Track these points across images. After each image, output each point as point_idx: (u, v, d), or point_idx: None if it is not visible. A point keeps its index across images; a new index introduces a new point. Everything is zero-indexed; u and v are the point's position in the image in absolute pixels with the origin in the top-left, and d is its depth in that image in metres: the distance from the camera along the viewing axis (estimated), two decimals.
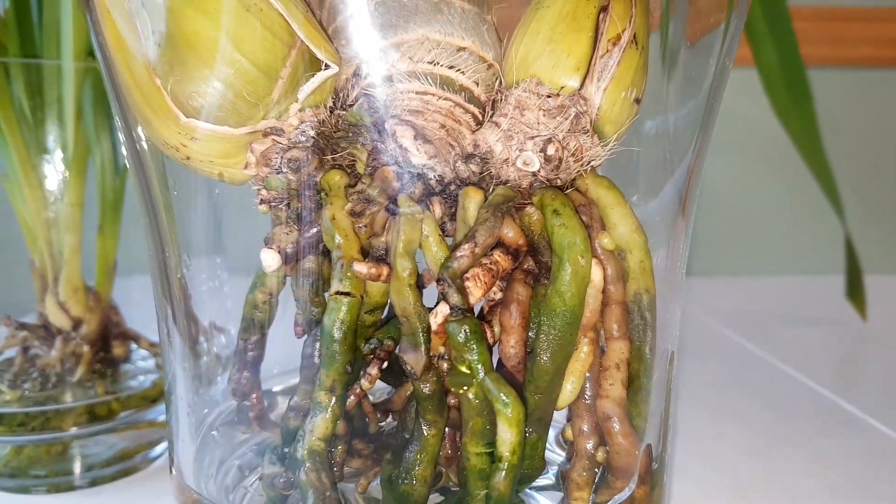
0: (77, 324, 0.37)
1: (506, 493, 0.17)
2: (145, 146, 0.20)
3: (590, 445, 0.18)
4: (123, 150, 0.37)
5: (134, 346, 0.40)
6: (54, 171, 0.37)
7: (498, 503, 0.17)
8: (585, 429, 0.18)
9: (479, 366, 0.16)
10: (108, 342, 0.38)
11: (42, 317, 0.38)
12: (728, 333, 0.64)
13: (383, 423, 0.21)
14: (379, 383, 0.20)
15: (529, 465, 0.18)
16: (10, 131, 0.37)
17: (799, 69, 0.50)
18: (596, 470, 0.18)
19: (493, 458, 0.16)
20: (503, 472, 0.16)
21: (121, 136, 0.21)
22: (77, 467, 0.38)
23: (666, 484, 0.21)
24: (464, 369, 0.16)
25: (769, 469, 0.40)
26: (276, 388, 0.24)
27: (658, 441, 0.20)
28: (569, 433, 0.19)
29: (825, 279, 0.76)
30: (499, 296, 0.19)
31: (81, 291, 0.37)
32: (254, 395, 0.22)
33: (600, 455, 0.18)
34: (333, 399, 0.17)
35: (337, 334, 0.17)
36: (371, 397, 0.21)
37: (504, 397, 0.16)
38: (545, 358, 0.17)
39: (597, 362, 0.18)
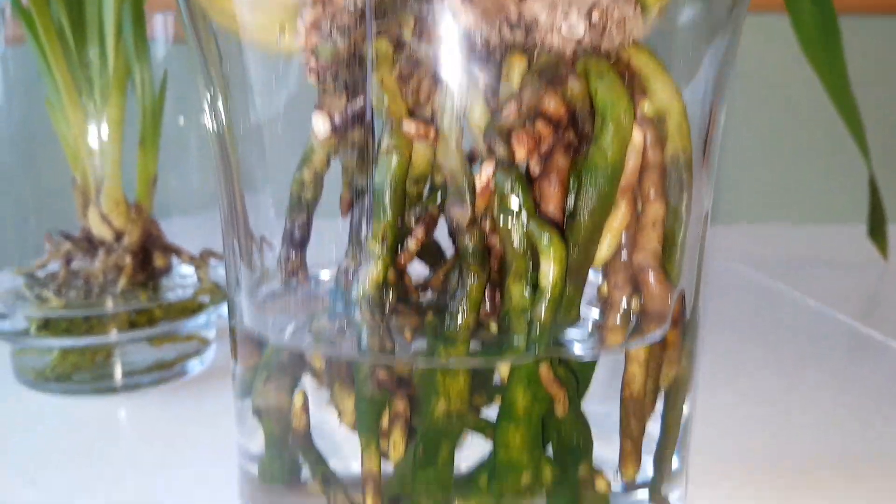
0: (119, 236, 0.38)
1: (546, 323, 0.17)
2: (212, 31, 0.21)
3: (624, 296, 0.19)
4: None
5: (175, 260, 0.41)
6: (96, 90, 0.38)
7: (539, 333, 0.18)
8: (620, 282, 0.19)
9: (524, 211, 0.17)
10: (149, 254, 0.39)
11: (84, 231, 0.39)
12: (754, 274, 0.64)
13: (423, 301, 0.22)
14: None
15: (565, 316, 0.19)
16: (52, 53, 0.37)
17: (830, 9, 0.49)
18: (630, 318, 0.19)
19: (536, 294, 0.17)
20: (544, 303, 0.17)
21: (189, 31, 0.22)
22: (118, 372, 0.39)
23: (699, 336, 0.22)
24: (509, 216, 0.17)
25: (791, 383, 0.41)
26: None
27: (692, 293, 0.20)
28: (604, 289, 0.19)
29: (851, 228, 0.76)
30: (538, 171, 0.20)
31: (123, 204, 0.38)
32: (300, 275, 0.22)
33: (634, 304, 0.19)
34: (385, 248, 0.18)
35: (388, 188, 0.18)
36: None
37: (547, 236, 0.17)
38: (585, 214, 0.18)
39: (633, 222, 0.19)
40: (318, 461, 0.20)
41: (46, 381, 0.39)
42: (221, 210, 0.23)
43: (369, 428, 0.19)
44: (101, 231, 0.38)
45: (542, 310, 0.17)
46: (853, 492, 0.30)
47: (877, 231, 0.60)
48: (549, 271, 0.17)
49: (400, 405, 0.19)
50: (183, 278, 0.42)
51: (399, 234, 0.19)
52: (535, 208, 0.18)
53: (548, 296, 0.17)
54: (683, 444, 0.23)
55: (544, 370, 0.18)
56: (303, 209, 0.22)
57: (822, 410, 0.38)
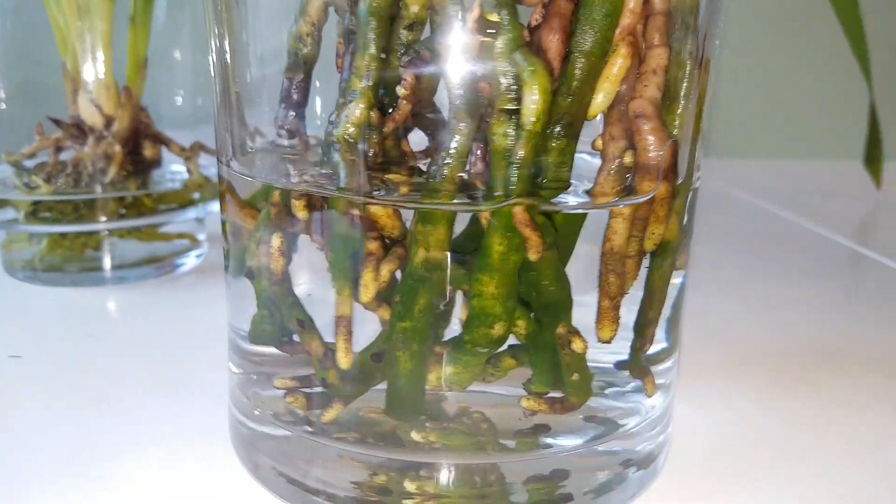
0: (109, 122, 0.37)
1: (528, 158, 0.17)
2: None
3: (618, 149, 0.18)
4: None
5: (167, 156, 0.40)
6: None
7: (519, 172, 0.17)
8: (615, 134, 0.18)
9: (512, 42, 0.16)
10: (139, 144, 0.38)
11: (74, 118, 0.38)
12: (754, 200, 0.63)
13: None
14: None
15: (556, 174, 0.18)
16: None
17: None
18: (624, 175, 0.18)
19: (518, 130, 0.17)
20: (525, 137, 0.17)
21: None
22: (108, 264, 0.39)
23: (694, 201, 0.21)
24: (496, 51, 0.16)
25: (786, 292, 0.41)
26: None
27: (689, 150, 0.20)
28: (598, 142, 0.19)
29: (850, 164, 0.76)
30: (539, 19, 0.19)
31: (113, 89, 0.37)
32: (297, 137, 0.22)
33: (627, 158, 0.18)
34: (368, 85, 0.17)
35: (371, 17, 0.17)
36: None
37: (530, 66, 0.16)
38: (579, 55, 0.17)
39: (634, 71, 0.18)
40: (295, 305, 0.20)
41: (35, 272, 0.39)
42: (214, 99, 0.22)
43: (342, 270, 0.19)
44: (91, 117, 0.37)
45: (523, 144, 0.17)
46: (840, 382, 0.30)
47: (872, 160, 0.60)
48: (531, 103, 0.16)
49: (372, 245, 0.18)
50: (174, 174, 0.41)
51: (388, 79, 0.18)
52: (522, 40, 0.17)
53: (528, 128, 0.16)
54: (673, 322, 0.22)
55: (518, 211, 0.17)
56: (300, 67, 0.21)
57: (816, 316, 0.38)
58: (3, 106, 0.40)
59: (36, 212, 0.38)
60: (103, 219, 0.37)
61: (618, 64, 0.18)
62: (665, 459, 0.24)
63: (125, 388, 0.28)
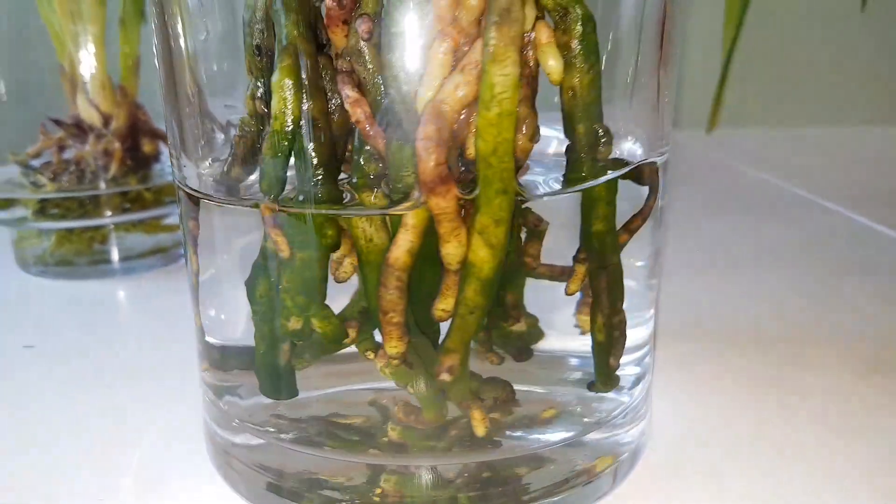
0: (107, 120, 0.38)
1: (267, 160, 0.18)
2: None
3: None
4: None
5: (163, 145, 0.41)
6: None
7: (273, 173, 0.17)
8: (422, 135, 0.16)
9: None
10: (137, 140, 0.39)
11: (74, 117, 0.39)
12: (750, 171, 0.64)
13: None
14: None
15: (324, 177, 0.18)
16: None
17: None
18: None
19: None
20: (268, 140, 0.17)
21: None
22: (115, 255, 0.40)
23: (656, 221, 0.22)
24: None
25: (759, 244, 0.42)
26: None
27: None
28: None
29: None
30: None
31: (109, 88, 0.38)
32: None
33: None
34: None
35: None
36: None
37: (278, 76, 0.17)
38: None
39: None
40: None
41: (46, 266, 0.40)
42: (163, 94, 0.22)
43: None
44: (89, 116, 0.38)
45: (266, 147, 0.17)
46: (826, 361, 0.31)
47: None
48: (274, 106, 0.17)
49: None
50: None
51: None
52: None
53: (271, 129, 0.17)
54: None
55: (263, 209, 0.18)
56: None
57: (810, 289, 0.39)
58: (6, 107, 0.41)
59: (43, 209, 0.39)
60: (108, 213, 0.39)
61: (435, 60, 0.16)
62: (641, 453, 0.24)
63: (135, 372, 0.29)
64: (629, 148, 0.21)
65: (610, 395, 0.22)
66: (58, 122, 0.39)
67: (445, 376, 0.18)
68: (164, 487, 0.22)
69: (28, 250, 0.41)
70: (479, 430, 0.19)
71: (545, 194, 0.19)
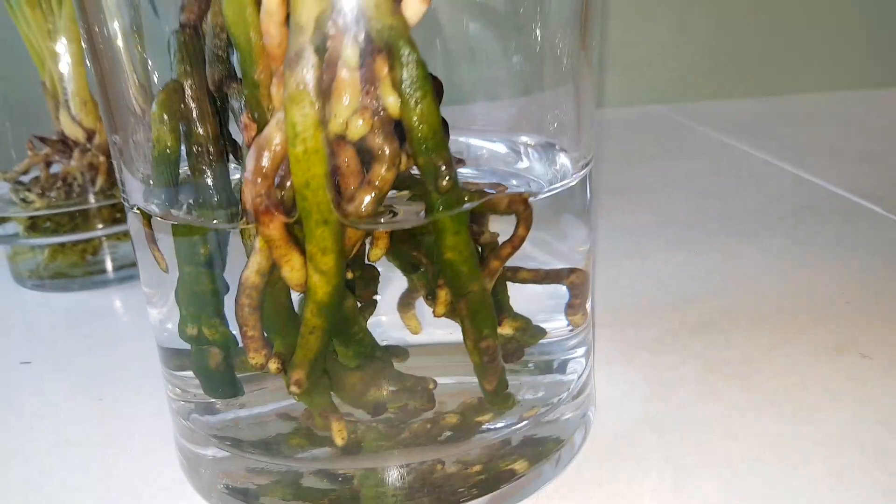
0: (90, 135, 0.39)
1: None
2: None
3: None
4: None
5: None
6: None
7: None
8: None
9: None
10: None
11: (59, 133, 0.39)
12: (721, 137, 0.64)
13: None
14: None
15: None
16: None
17: None
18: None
19: None
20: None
21: None
22: (109, 266, 0.41)
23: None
24: None
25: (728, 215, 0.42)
26: None
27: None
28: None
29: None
30: None
31: (90, 103, 0.38)
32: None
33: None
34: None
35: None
36: None
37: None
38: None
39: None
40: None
41: (41, 280, 0.41)
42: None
43: None
44: (73, 132, 0.38)
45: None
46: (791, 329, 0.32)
47: None
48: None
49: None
50: None
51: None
52: None
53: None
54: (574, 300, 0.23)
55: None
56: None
57: (778, 264, 0.39)
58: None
59: (35, 225, 0.39)
60: (99, 226, 0.39)
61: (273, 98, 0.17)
62: (584, 437, 0.24)
63: (130, 383, 0.30)
64: (561, 162, 0.21)
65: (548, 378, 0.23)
66: (43, 140, 0.39)
67: (294, 389, 0.19)
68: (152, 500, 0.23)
69: (22, 265, 0.41)
70: (338, 440, 0.20)
71: (388, 223, 0.19)
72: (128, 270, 0.41)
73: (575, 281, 0.22)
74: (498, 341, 0.20)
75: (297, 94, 0.16)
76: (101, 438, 0.26)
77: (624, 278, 0.36)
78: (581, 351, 0.24)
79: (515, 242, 0.20)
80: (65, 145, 0.39)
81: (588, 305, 0.23)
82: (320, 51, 0.16)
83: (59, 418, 0.28)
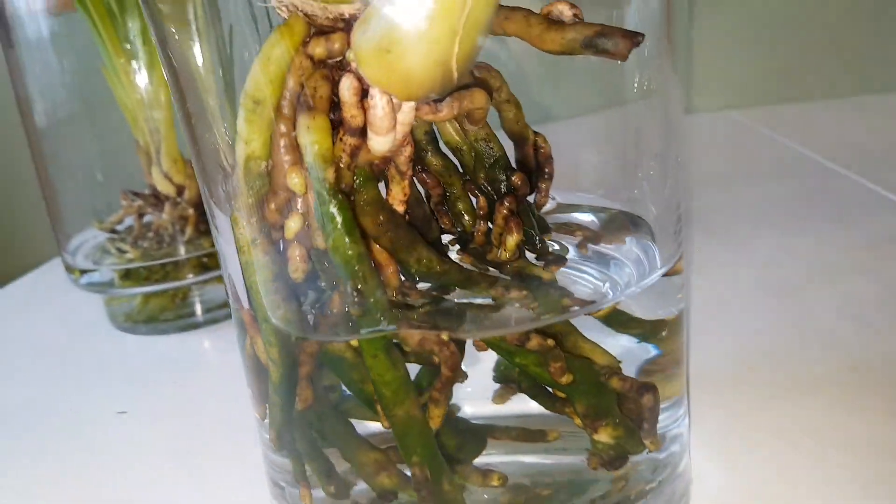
0: (180, 190, 0.40)
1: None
2: None
3: None
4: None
5: None
6: (142, 55, 0.40)
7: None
8: None
9: None
10: None
11: (151, 187, 0.41)
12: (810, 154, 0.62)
13: None
14: None
15: None
16: (102, 23, 0.39)
17: None
18: None
19: None
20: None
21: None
22: (199, 309, 0.42)
23: None
24: None
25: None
26: None
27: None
28: None
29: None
30: None
31: (180, 161, 0.40)
32: None
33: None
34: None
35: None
36: None
37: None
38: None
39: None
40: None
41: (136, 324, 0.42)
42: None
43: None
44: (164, 187, 0.40)
45: None
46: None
47: None
48: None
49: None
50: None
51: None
52: None
53: None
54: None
55: None
56: None
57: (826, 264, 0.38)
58: (86, 179, 0.43)
59: (128, 274, 0.41)
60: (189, 275, 0.41)
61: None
62: None
63: (226, 432, 0.31)
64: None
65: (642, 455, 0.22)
66: (136, 194, 0.41)
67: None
68: None
69: (117, 308, 0.43)
70: None
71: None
72: (215, 313, 0.43)
73: (647, 404, 0.21)
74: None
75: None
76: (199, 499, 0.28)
77: (717, 331, 0.35)
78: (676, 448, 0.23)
79: (442, 383, 0.19)
80: (157, 199, 0.41)
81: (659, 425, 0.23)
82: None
83: (153, 475, 0.29)
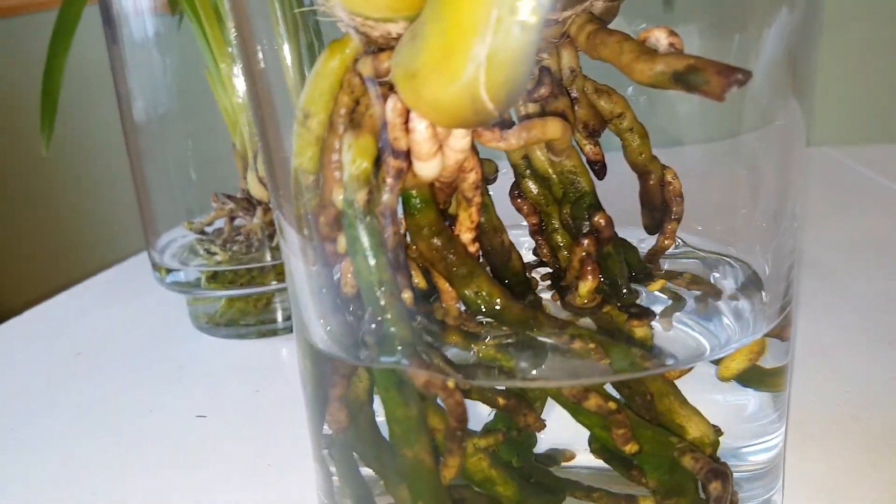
0: None
1: None
2: None
3: None
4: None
5: None
6: None
7: None
8: None
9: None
10: None
11: (244, 192, 0.41)
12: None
13: None
14: None
15: None
16: (209, 26, 0.39)
17: None
18: None
19: None
20: None
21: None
22: (279, 316, 0.41)
23: None
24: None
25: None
26: None
27: None
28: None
29: None
30: None
31: None
32: None
33: None
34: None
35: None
36: None
37: None
38: None
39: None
40: None
41: (217, 326, 0.42)
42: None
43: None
44: (259, 192, 0.40)
45: None
46: None
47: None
48: None
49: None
50: None
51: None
52: None
53: None
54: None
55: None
56: None
57: None
58: (180, 179, 0.43)
59: (215, 276, 0.41)
60: (274, 282, 0.40)
61: None
62: None
63: (301, 443, 0.30)
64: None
65: None
66: (229, 197, 0.41)
67: None
68: None
69: (201, 308, 0.43)
70: None
71: None
72: None
73: (713, 492, 0.18)
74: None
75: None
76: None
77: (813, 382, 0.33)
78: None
79: (449, 432, 0.17)
80: (249, 203, 0.41)
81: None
82: None
83: (230, 482, 0.28)
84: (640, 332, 0.18)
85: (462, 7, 0.11)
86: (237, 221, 0.42)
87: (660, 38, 0.15)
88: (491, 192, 0.20)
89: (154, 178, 0.43)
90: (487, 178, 0.20)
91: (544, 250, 0.21)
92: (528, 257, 0.21)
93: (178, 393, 0.36)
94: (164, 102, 0.42)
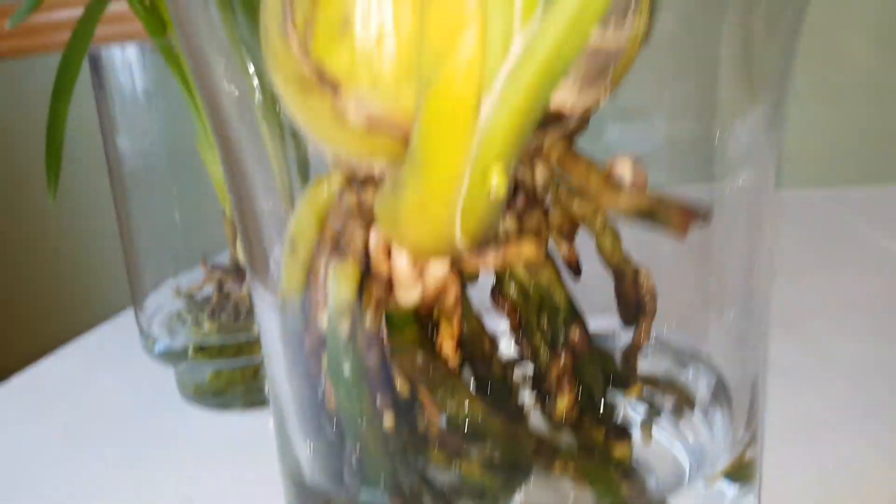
0: None
1: None
2: None
3: None
4: None
5: None
6: None
7: None
8: None
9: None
10: None
11: (233, 259, 0.40)
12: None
13: None
14: None
15: None
16: (197, 98, 0.39)
17: None
18: None
19: None
20: None
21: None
22: (267, 387, 0.41)
23: None
24: None
25: None
26: None
27: None
28: None
29: None
30: None
31: None
32: None
33: None
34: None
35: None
36: None
37: None
38: None
39: None
40: None
41: (204, 396, 0.41)
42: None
43: None
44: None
45: None
46: None
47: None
48: None
49: None
50: None
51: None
52: None
53: None
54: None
55: None
56: None
57: None
58: (169, 237, 0.42)
59: (202, 347, 0.40)
60: (261, 353, 0.39)
61: None
62: None
63: None
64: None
65: None
66: (217, 267, 0.40)
67: None
68: None
69: (188, 378, 0.42)
70: None
71: None
72: None
73: None
74: None
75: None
76: None
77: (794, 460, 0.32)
78: None
79: None
80: (238, 271, 0.40)
81: None
82: None
83: None
84: (618, 451, 0.18)
85: (437, 170, 0.11)
86: (226, 287, 0.41)
87: (624, 174, 0.15)
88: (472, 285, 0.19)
89: (141, 237, 0.43)
90: (468, 282, 0.19)
91: (525, 348, 0.20)
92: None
93: (168, 472, 0.35)
94: (154, 160, 0.42)
